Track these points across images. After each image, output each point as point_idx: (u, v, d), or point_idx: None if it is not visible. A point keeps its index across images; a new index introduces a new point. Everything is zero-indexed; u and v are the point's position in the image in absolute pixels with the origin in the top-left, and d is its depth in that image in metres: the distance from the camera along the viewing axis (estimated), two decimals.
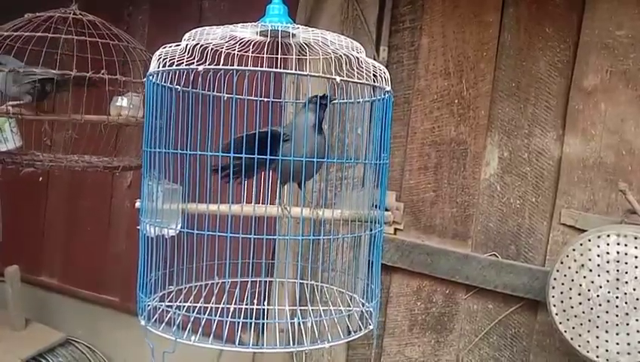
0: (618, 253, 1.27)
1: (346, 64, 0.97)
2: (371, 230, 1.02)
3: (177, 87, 0.97)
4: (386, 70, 0.97)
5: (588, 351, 1.29)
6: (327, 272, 1.43)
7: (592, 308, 1.29)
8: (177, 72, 0.92)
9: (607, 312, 1.27)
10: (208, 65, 0.89)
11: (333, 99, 1.05)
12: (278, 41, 1.02)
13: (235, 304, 0.99)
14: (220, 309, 0.93)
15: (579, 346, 1.30)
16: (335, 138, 1.59)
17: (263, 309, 1.06)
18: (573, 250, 1.32)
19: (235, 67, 0.86)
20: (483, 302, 1.69)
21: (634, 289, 1.25)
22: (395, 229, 1.78)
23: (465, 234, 1.70)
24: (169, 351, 0.84)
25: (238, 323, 0.93)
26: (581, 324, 1.30)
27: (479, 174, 1.67)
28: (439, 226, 1.73)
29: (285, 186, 1.07)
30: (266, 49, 1.04)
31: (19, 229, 2.59)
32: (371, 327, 0.97)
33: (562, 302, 1.32)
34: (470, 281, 1.66)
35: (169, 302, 0.99)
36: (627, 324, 1.25)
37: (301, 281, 1.25)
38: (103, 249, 2.41)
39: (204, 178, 0.94)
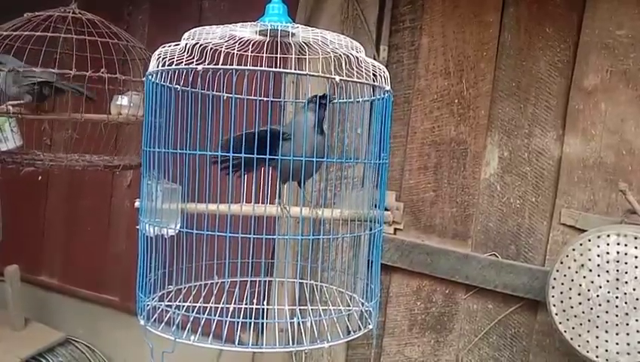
0: (618, 253, 1.27)
1: (345, 64, 0.96)
2: (371, 229, 1.02)
3: (177, 86, 0.97)
4: (385, 69, 0.97)
5: (588, 351, 1.29)
6: (327, 272, 1.43)
7: (591, 308, 1.29)
8: (177, 72, 0.92)
9: (607, 312, 1.27)
10: (208, 64, 0.89)
11: (332, 98, 1.05)
12: (277, 41, 1.02)
13: (235, 304, 0.99)
14: (219, 309, 0.93)
15: (578, 346, 1.30)
16: (335, 138, 1.58)
17: (263, 309, 1.06)
18: (573, 249, 1.32)
19: (235, 66, 0.86)
20: (483, 302, 1.69)
21: (634, 290, 1.25)
22: (395, 229, 1.78)
23: (465, 234, 1.70)
24: (168, 350, 0.84)
25: (238, 322, 0.93)
26: (581, 324, 1.30)
27: (479, 174, 1.67)
28: (439, 226, 1.73)
29: (285, 186, 1.07)
30: (265, 48, 1.04)
31: (19, 229, 2.59)
32: (371, 327, 0.97)
33: (562, 302, 1.32)
34: (470, 281, 1.66)
35: (168, 301, 0.99)
36: (627, 324, 1.25)
37: (301, 281, 1.25)
38: (103, 248, 2.41)
39: (204, 177, 0.94)
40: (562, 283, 1.32)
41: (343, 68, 0.95)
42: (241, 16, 1.05)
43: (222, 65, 0.91)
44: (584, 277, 1.30)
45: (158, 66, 0.92)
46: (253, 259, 1.14)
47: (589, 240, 1.31)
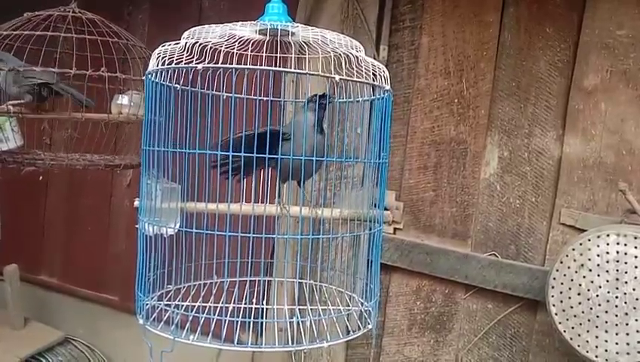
0: (618, 252, 1.27)
1: (345, 63, 0.96)
2: (370, 229, 1.02)
3: (177, 85, 0.97)
4: (385, 69, 0.97)
5: (587, 351, 1.29)
6: (327, 272, 1.43)
7: (591, 308, 1.29)
8: (176, 71, 0.92)
9: (606, 312, 1.27)
10: (207, 63, 0.89)
11: (332, 98, 1.05)
12: (277, 40, 1.02)
13: (234, 303, 0.99)
14: (218, 308, 0.93)
15: (578, 346, 1.30)
16: (335, 137, 1.58)
17: (262, 308, 1.06)
18: (573, 249, 1.32)
19: (235, 65, 0.86)
20: (482, 302, 1.68)
21: (633, 289, 1.25)
22: (395, 229, 1.78)
23: (464, 234, 1.70)
24: (167, 350, 0.84)
25: (237, 322, 0.92)
26: (580, 324, 1.30)
27: (479, 174, 1.67)
28: (439, 226, 1.73)
29: (284, 185, 1.07)
30: (265, 48, 1.04)
31: (18, 228, 2.59)
32: (370, 327, 0.97)
33: (562, 301, 1.32)
34: (470, 281, 1.66)
35: (167, 301, 0.99)
36: (627, 324, 1.25)
37: (300, 281, 1.25)
38: (103, 248, 2.41)
39: (203, 177, 0.94)
40: (562, 283, 1.32)
41: (343, 67, 0.95)
42: (242, 15, 1.05)
43: (221, 64, 0.91)
44: (584, 277, 1.30)
45: (157, 65, 0.92)
46: (253, 258, 1.13)
47: (589, 240, 1.30)
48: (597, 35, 1.50)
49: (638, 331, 1.24)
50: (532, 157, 1.60)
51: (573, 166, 1.54)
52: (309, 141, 0.98)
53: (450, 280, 1.69)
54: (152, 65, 0.93)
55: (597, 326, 1.28)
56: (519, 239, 1.63)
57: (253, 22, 0.96)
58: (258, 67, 0.89)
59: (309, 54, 1.00)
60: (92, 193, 2.43)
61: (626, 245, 1.27)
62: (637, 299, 1.25)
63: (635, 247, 1.26)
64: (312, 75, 0.87)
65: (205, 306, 0.95)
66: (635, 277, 1.25)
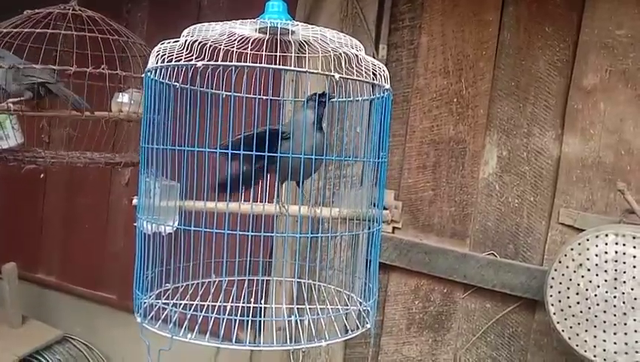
0: (616, 252, 1.27)
1: (345, 62, 0.96)
2: (369, 228, 1.02)
3: (176, 83, 0.97)
4: (385, 68, 0.97)
5: (585, 351, 1.29)
6: (325, 271, 1.43)
7: (589, 308, 1.29)
8: (176, 69, 0.92)
9: (604, 312, 1.27)
10: (207, 61, 0.89)
11: (332, 96, 1.05)
12: (277, 39, 1.01)
13: (232, 302, 0.99)
14: (216, 307, 0.93)
15: (576, 345, 1.30)
16: (334, 136, 1.58)
17: (261, 307, 1.05)
18: (572, 249, 1.32)
19: (235, 63, 0.86)
20: (481, 301, 1.69)
21: (632, 289, 1.25)
22: (394, 228, 1.78)
23: (463, 233, 1.70)
24: (165, 348, 0.84)
25: (235, 320, 0.92)
26: (579, 324, 1.30)
27: (478, 173, 1.67)
28: (437, 225, 1.73)
29: (283, 184, 1.07)
30: (265, 46, 1.03)
31: (16, 226, 2.59)
32: (369, 326, 0.97)
33: (560, 301, 1.32)
34: (468, 280, 1.66)
35: (166, 299, 0.99)
36: (625, 324, 1.25)
37: (299, 280, 1.25)
38: (101, 246, 2.41)
39: (202, 175, 0.94)
40: (560, 283, 1.32)
41: (343, 66, 0.95)
42: (241, 14, 1.05)
43: (221, 62, 0.90)
44: (582, 276, 1.30)
45: (157, 63, 0.91)
46: (252, 257, 1.13)
47: (588, 240, 1.31)
48: (596, 35, 1.50)
49: (636, 331, 1.24)
50: (531, 156, 1.60)
51: (572, 166, 1.54)
52: (308, 139, 0.98)
53: (448, 279, 1.69)
54: (152, 62, 0.92)
55: (595, 326, 1.28)
56: (518, 238, 1.63)
57: (253, 20, 0.96)
58: (258, 65, 0.89)
59: (308, 53, 1.00)
60: (90, 191, 2.43)
61: (624, 245, 1.27)
62: (635, 299, 1.25)
63: (634, 247, 1.26)
64: (312, 73, 0.86)
65: (203, 305, 0.95)
66: (634, 277, 1.25)
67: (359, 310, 1.02)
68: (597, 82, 1.50)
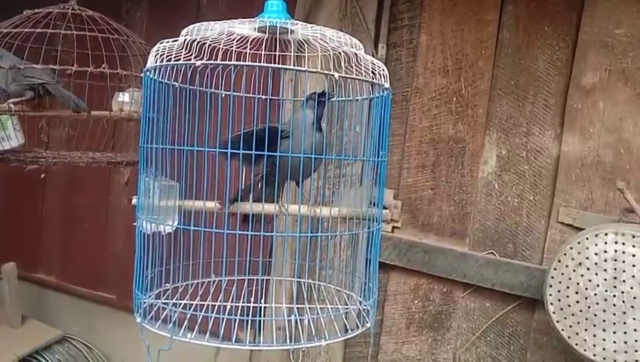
0: (616, 251, 1.27)
1: (344, 61, 0.96)
2: (369, 227, 1.02)
3: (175, 83, 0.97)
4: (384, 67, 0.97)
5: (585, 350, 1.29)
6: (325, 270, 1.43)
7: (589, 307, 1.29)
8: (175, 68, 0.92)
9: (604, 311, 1.27)
10: (206, 61, 0.89)
11: (331, 96, 1.05)
12: (276, 38, 1.01)
13: (232, 301, 0.99)
14: (216, 307, 0.93)
15: (576, 344, 1.30)
16: (334, 135, 1.58)
17: (260, 307, 1.05)
18: (571, 248, 1.32)
19: (234, 62, 0.86)
20: (480, 301, 1.69)
21: (631, 288, 1.25)
22: (393, 227, 1.78)
23: (462, 233, 1.70)
24: (165, 348, 0.84)
25: (235, 320, 0.92)
26: (578, 323, 1.30)
27: (477, 172, 1.67)
28: (437, 224, 1.73)
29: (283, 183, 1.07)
30: (264, 46, 1.03)
31: (16, 226, 2.58)
32: (369, 325, 0.97)
33: (559, 300, 1.32)
34: (468, 279, 1.66)
35: (165, 299, 0.99)
36: (624, 323, 1.25)
37: (298, 279, 1.25)
38: (101, 246, 2.41)
39: (201, 174, 0.94)
40: (560, 282, 1.32)
41: (342, 65, 0.95)
42: (240, 14, 1.05)
43: (220, 61, 0.90)
44: (582, 275, 1.30)
45: (156, 62, 0.91)
46: (251, 257, 1.13)
47: (587, 239, 1.31)
48: (595, 34, 1.50)
49: (635, 330, 1.25)
50: (530, 155, 1.60)
51: (572, 165, 1.54)
52: (307, 139, 0.98)
53: (448, 278, 1.69)
54: (151, 62, 0.92)
55: (595, 325, 1.28)
56: (517, 238, 1.63)
57: (252, 19, 0.96)
58: (257, 64, 0.88)
59: (308, 52, 0.99)
60: (90, 191, 2.43)
61: (624, 244, 1.27)
62: (634, 298, 1.25)
63: (633, 246, 1.26)
64: (311, 72, 0.86)
65: (203, 304, 0.95)
66: (633, 276, 1.25)
67: (359, 309, 1.02)
68: (596, 81, 1.50)
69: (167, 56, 0.90)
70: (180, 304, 0.96)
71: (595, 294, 1.28)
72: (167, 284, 1.02)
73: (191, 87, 1.01)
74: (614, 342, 1.26)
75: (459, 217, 1.70)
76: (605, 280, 1.28)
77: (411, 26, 1.74)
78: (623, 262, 1.26)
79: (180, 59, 0.90)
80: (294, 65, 0.98)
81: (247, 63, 0.88)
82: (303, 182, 1.01)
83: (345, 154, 1.61)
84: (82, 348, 2.40)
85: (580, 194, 1.53)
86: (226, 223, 0.91)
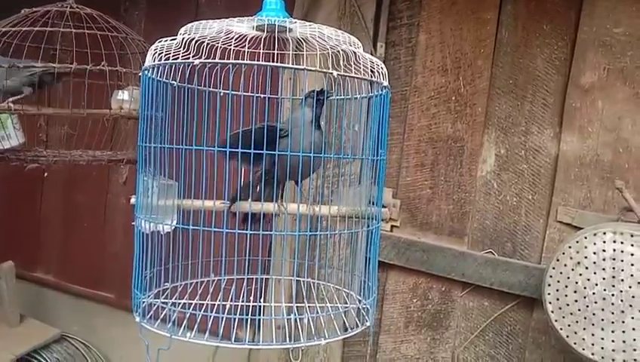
0: (614, 250, 1.27)
1: (343, 59, 0.96)
2: (368, 226, 1.02)
3: (173, 82, 0.96)
4: (383, 65, 0.97)
5: (583, 349, 1.29)
6: (324, 269, 1.43)
7: (587, 306, 1.29)
8: (173, 67, 0.92)
9: (602, 310, 1.27)
10: (204, 59, 0.88)
11: (330, 94, 1.04)
12: (275, 37, 1.01)
13: (232, 301, 0.99)
14: (215, 306, 0.93)
15: (574, 343, 1.30)
16: (332, 134, 1.58)
17: (260, 306, 1.05)
18: (570, 247, 1.32)
19: (232, 61, 0.86)
20: (479, 300, 1.69)
21: (630, 287, 1.25)
22: (392, 226, 1.78)
23: (461, 232, 1.70)
24: (164, 347, 0.84)
25: (235, 319, 0.92)
26: (577, 322, 1.30)
27: (476, 171, 1.67)
28: (435, 223, 1.73)
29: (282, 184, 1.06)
30: (262, 44, 1.03)
31: (14, 225, 2.58)
32: (368, 324, 0.97)
33: (558, 299, 1.32)
34: (466, 278, 1.66)
35: (164, 298, 0.99)
36: (623, 322, 1.26)
37: (297, 278, 1.24)
38: (99, 245, 2.41)
39: (200, 173, 0.93)
40: (558, 281, 1.33)
41: (341, 64, 0.95)
42: (238, 13, 1.04)
43: (218, 60, 0.90)
44: (580, 274, 1.30)
45: (154, 61, 0.91)
46: (250, 256, 1.13)
47: (586, 238, 1.31)
48: (594, 33, 1.50)
49: (634, 329, 1.25)
50: (529, 154, 1.60)
51: (570, 164, 1.54)
52: (306, 137, 0.98)
53: (446, 277, 1.69)
54: (149, 60, 0.92)
55: (593, 324, 1.28)
56: (516, 237, 1.63)
57: (250, 18, 0.96)
58: (255, 62, 0.88)
59: (306, 51, 0.99)
60: (88, 190, 2.42)
61: (622, 243, 1.27)
62: (633, 297, 1.25)
63: (632, 245, 1.26)
64: (310, 70, 0.86)
65: (202, 304, 0.94)
66: (631, 275, 1.25)
67: (358, 308, 1.02)
68: (595, 80, 1.50)
69: (165, 55, 0.90)
70: (179, 303, 0.96)
71: (594, 293, 1.28)
72: (166, 284, 1.02)
73: (189, 86, 1.01)
74: (613, 341, 1.26)
75: (457, 216, 1.70)
76: (604, 279, 1.28)
77: (410, 25, 1.74)
78: (622, 261, 1.26)
79: (178, 58, 0.90)
80: (293, 64, 0.98)
81: (245, 62, 0.88)
82: (302, 181, 1.01)
83: (344, 153, 1.61)
84: (81, 347, 2.40)
85: (578, 193, 1.53)
86: (225, 222, 0.91)
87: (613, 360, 1.26)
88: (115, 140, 1.66)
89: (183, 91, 1.00)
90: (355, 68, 0.93)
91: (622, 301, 1.26)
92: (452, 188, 1.70)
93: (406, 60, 1.75)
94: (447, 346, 1.73)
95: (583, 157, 1.52)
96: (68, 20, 1.40)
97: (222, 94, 0.99)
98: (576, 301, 1.30)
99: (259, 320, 1.13)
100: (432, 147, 1.72)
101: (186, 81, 0.98)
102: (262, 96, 1.13)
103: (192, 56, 0.90)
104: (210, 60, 0.88)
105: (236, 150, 0.89)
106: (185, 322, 0.89)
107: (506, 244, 1.64)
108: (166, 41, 0.93)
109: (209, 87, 1.00)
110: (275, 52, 1.04)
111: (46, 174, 2.44)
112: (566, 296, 1.31)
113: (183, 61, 0.88)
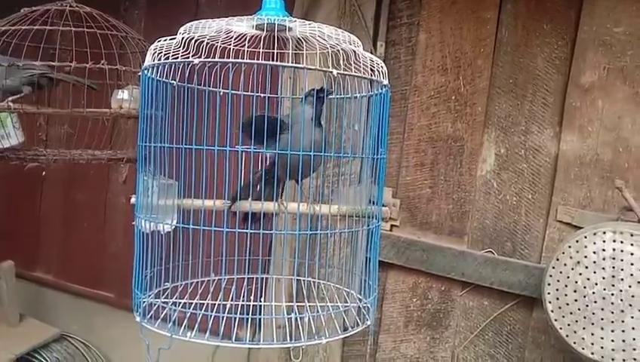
0: (614, 249, 1.27)
1: (343, 58, 0.96)
2: (368, 225, 1.02)
3: (173, 82, 0.96)
4: (383, 64, 0.96)
5: (583, 348, 1.29)
6: (325, 268, 1.43)
7: (587, 305, 1.29)
8: (173, 66, 0.91)
9: (602, 309, 1.28)
10: (204, 59, 0.88)
11: (330, 92, 1.04)
12: (274, 36, 1.01)
13: (232, 300, 0.99)
14: (216, 305, 0.93)
15: (574, 343, 1.30)
16: (332, 133, 1.58)
17: (260, 305, 1.05)
18: (569, 246, 1.32)
19: (232, 60, 0.86)
20: (479, 299, 1.69)
21: (629, 287, 1.26)
22: (392, 226, 1.78)
23: (461, 231, 1.70)
24: (164, 347, 0.84)
25: (235, 319, 0.92)
26: (576, 321, 1.30)
27: (476, 171, 1.67)
28: (435, 223, 1.73)
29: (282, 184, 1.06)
30: (262, 43, 1.03)
31: (14, 224, 2.58)
32: (369, 323, 0.97)
33: (558, 298, 1.32)
34: (466, 278, 1.66)
35: (165, 298, 0.99)
36: (622, 321, 1.26)
37: (297, 278, 1.24)
38: (99, 245, 2.40)
39: (200, 173, 0.93)
40: (558, 280, 1.33)
41: (341, 63, 0.95)
42: (238, 12, 1.04)
43: (218, 59, 0.90)
44: (580, 274, 1.30)
45: (153, 60, 0.91)
46: (250, 256, 1.13)
47: (585, 237, 1.31)
48: (594, 32, 1.50)
49: (633, 328, 1.25)
50: (529, 154, 1.60)
51: (570, 163, 1.54)
52: (307, 134, 0.97)
53: (446, 277, 1.69)
54: (148, 60, 0.92)
55: (593, 323, 1.28)
56: (516, 236, 1.63)
57: (250, 17, 0.96)
58: (255, 61, 0.88)
59: (306, 50, 0.99)
60: (88, 190, 2.42)
61: (622, 242, 1.27)
62: (633, 296, 1.25)
63: (631, 244, 1.26)
64: (310, 69, 0.86)
65: (203, 303, 0.94)
66: (631, 274, 1.26)
67: (359, 307, 1.01)
68: (595, 80, 1.50)
69: (165, 54, 0.90)
70: (180, 303, 0.96)
71: (594, 292, 1.29)
72: (166, 283, 1.02)
73: (189, 85, 1.01)
74: (612, 341, 1.26)
75: (457, 216, 1.70)
76: (603, 278, 1.28)
77: (410, 24, 1.74)
78: (622, 260, 1.27)
79: (177, 57, 0.89)
80: (293, 63, 0.97)
81: (245, 61, 0.88)
82: (302, 180, 1.01)
83: (344, 152, 1.61)
84: (80, 346, 2.40)
85: (578, 192, 1.53)
86: (225, 222, 0.91)
87: (612, 359, 1.26)
88: (114, 139, 1.66)
89: (183, 90, 1.00)
90: (355, 67, 0.93)
91: (622, 300, 1.26)
92: (452, 187, 1.70)
93: (406, 59, 1.75)
94: (446, 345, 1.73)
95: (583, 157, 1.52)
96: (67, 19, 1.40)
97: (222, 93, 0.98)
98: (575, 300, 1.30)
99: (259, 319, 1.13)
100: (431, 146, 1.72)
101: (185, 81, 0.98)
102: (262, 95, 1.13)
103: (192, 56, 0.90)
104: (209, 59, 0.88)
105: (236, 149, 0.89)
106: (185, 321, 0.89)
107: (506, 244, 1.64)
108: (166, 40, 0.92)
109: (209, 86, 1.00)
110: (275, 51, 1.04)
111: (44, 173, 2.44)
112: (566, 295, 1.31)
113: (183, 60, 0.88)
